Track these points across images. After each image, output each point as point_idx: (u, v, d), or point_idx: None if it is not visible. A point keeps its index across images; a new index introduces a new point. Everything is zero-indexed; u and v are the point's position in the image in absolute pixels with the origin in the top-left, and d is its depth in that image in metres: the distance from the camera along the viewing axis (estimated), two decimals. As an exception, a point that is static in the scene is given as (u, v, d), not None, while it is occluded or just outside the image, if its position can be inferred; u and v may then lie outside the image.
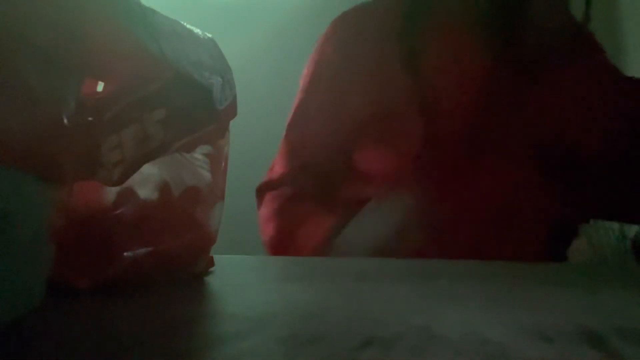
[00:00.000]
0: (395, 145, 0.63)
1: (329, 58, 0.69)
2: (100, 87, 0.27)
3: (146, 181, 0.29)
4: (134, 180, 0.26)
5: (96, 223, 0.27)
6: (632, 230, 1.21)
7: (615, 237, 1.22)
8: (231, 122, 0.32)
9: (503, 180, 0.60)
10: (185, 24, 0.28)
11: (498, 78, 0.64)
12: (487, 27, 0.66)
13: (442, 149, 0.62)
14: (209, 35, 0.30)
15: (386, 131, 0.64)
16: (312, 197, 0.66)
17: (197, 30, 0.29)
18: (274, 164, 0.72)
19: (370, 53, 0.67)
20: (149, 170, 0.28)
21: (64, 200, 0.23)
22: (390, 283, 0.31)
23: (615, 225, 1.22)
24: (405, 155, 0.61)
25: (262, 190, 0.71)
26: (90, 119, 0.24)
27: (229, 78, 0.30)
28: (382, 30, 0.68)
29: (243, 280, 0.34)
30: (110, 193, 0.28)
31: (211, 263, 0.34)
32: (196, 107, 0.27)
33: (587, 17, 0.67)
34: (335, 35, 0.70)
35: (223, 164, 0.33)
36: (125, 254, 0.28)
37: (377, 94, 0.65)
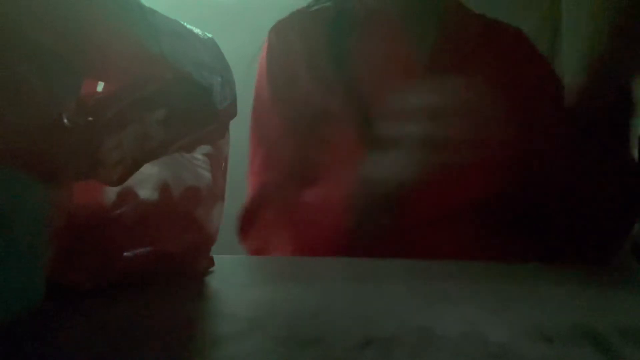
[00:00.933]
0: (339, 150, 0.62)
1: (266, 70, 0.69)
2: (100, 87, 0.27)
3: (146, 181, 0.29)
4: (134, 180, 0.26)
5: (96, 223, 0.27)
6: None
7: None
8: (231, 122, 0.32)
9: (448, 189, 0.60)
10: (185, 24, 0.28)
11: (432, 73, 0.64)
12: (414, 22, 0.67)
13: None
14: (209, 35, 0.30)
15: (328, 136, 0.63)
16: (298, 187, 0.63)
17: (197, 30, 0.29)
18: (250, 187, 0.69)
19: (303, 61, 0.67)
20: (149, 170, 0.28)
21: (64, 200, 0.23)
22: (390, 283, 0.31)
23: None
24: (349, 159, 0.59)
25: (252, 213, 0.67)
26: (90, 119, 0.24)
27: (229, 78, 0.30)
28: (312, 37, 0.68)
29: (243, 280, 0.34)
30: (110, 193, 0.28)
31: (211, 263, 0.34)
32: (196, 107, 0.27)
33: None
34: (271, 44, 0.70)
35: (223, 164, 0.33)
36: (125, 254, 0.28)
37: (313, 101, 0.65)
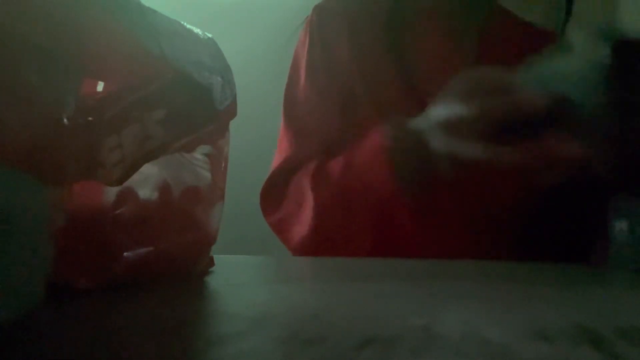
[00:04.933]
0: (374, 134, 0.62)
1: (308, 51, 0.69)
2: (100, 87, 0.27)
3: (146, 181, 0.29)
4: (134, 180, 0.26)
5: (96, 223, 0.27)
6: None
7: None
8: (231, 122, 0.32)
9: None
10: (185, 24, 0.28)
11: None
12: (459, 23, 0.67)
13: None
14: (209, 35, 0.30)
15: (366, 119, 0.63)
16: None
17: (197, 30, 0.29)
18: (275, 161, 0.69)
19: (357, 40, 0.67)
20: (149, 170, 0.28)
21: (64, 200, 0.23)
22: (390, 283, 0.31)
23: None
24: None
25: (277, 181, 0.65)
26: (90, 119, 0.24)
27: (229, 78, 0.30)
28: (368, 20, 0.68)
29: (243, 280, 0.34)
30: (110, 193, 0.28)
31: (211, 263, 0.34)
32: (196, 107, 0.27)
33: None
34: (318, 21, 0.70)
35: (223, 164, 0.33)
36: (125, 254, 0.28)
37: (365, 82, 0.65)
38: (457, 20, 0.69)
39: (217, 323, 0.22)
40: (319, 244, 0.60)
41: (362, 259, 0.48)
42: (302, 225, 0.60)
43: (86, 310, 0.23)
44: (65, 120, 0.21)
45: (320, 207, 0.59)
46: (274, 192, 0.66)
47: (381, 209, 0.56)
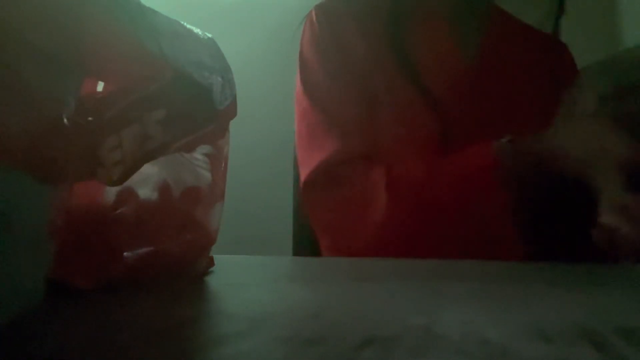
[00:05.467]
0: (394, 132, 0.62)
1: (316, 50, 0.69)
2: (100, 87, 0.27)
3: (146, 181, 0.29)
4: (134, 180, 0.26)
5: (96, 223, 0.27)
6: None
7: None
8: (231, 122, 0.32)
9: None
10: (185, 24, 0.28)
11: (479, 75, 0.65)
12: (461, 24, 0.68)
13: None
14: (209, 35, 0.30)
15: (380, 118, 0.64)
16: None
17: (197, 30, 0.29)
18: (314, 156, 0.65)
19: (368, 38, 0.67)
20: (149, 170, 0.28)
21: (64, 200, 0.23)
22: (390, 283, 0.31)
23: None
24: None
25: (324, 175, 0.63)
26: (90, 119, 0.24)
27: (229, 78, 0.30)
28: (367, 19, 0.69)
29: (243, 280, 0.34)
30: (110, 193, 0.28)
31: (211, 263, 0.34)
32: (196, 107, 0.27)
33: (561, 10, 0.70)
34: (325, 19, 0.70)
35: (223, 164, 0.33)
36: (125, 254, 0.28)
37: (367, 81, 0.65)
38: (458, 21, 0.69)
39: (217, 323, 0.22)
40: (391, 242, 0.59)
41: (362, 259, 0.48)
42: (367, 225, 0.59)
43: (86, 310, 0.23)
44: (65, 120, 0.21)
45: (398, 208, 0.58)
46: (324, 182, 0.63)
47: (484, 227, 0.57)
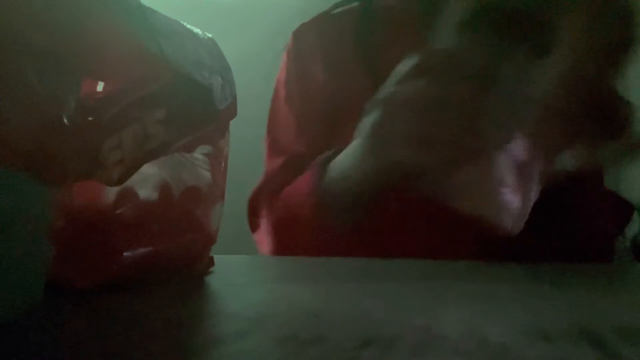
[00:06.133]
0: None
1: (285, 72, 0.70)
2: (100, 87, 0.27)
3: (146, 181, 0.29)
4: (134, 180, 0.26)
5: (96, 223, 0.27)
6: (631, 230, 1.21)
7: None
8: (231, 122, 0.32)
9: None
10: (185, 24, 0.28)
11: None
12: (432, 20, 0.66)
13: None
14: (209, 35, 0.30)
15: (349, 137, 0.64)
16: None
17: (197, 30, 0.29)
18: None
19: (322, 64, 0.68)
20: (149, 170, 0.28)
21: (64, 200, 0.23)
22: (390, 283, 0.31)
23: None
24: None
25: (258, 199, 0.67)
26: (90, 119, 0.24)
27: (229, 78, 0.30)
28: (333, 40, 0.69)
29: (243, 280, 0.34)
30: (110, 193, 0.28)
31: (211, 263, 0.34)
32: (196, 107, 0.27)
33: None
34: (295, 47, 0.71)
35: (223, 164, 0.33)
36: (125, 254, 0.28)
37: (339, 101, 0.65)
38: (431, 16, 0.68)
39: (217, 323, 0.22)
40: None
41: (362, 259, 0.48)
42: (263, 243, 0.63)
43: (86, 310, 0.23)
44: (65, 120, 0.21)
45: (272, 226, 0.60)
46: (252, 211, 0.67)
47: (313, 240, 0.56)
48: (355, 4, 0.71)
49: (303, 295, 0.28)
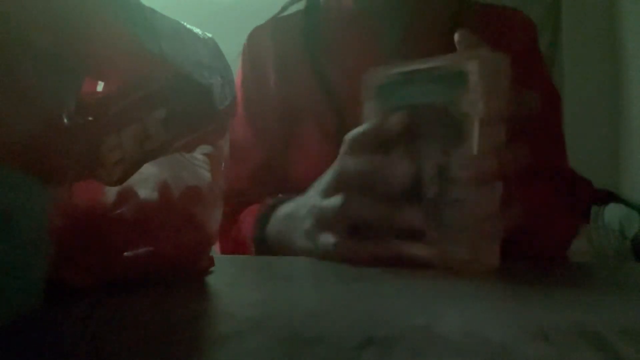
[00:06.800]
0: (316, 148, 0.61)
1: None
2: (100, 87, 0.27)
3: (146, 181, 0.29)
4: (134, 180, 0.26)
5: (96, 223, 0.27)
6: (632, 230, 1.21)
7: (615, 238, 1.22)
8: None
9: None
10: (185, 24, 0.28)
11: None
12: (381, 16, 0.65)
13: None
14: (209, 35, 0.30)
15: (303, 136, 0.63)
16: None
17: (197, 30, 0.29)
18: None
19: (273, 66, 0.67)
20: (149, 170, 0.28)
21: (64, 200, 0.23)
22: (390, 283, 0.31)
23: (616, 225, 1.22)
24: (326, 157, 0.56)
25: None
26: (90, 118, 0.24)
27: (229, 78, 0.30)
28: (283, 42, 0.68)
29: (243, 280, 0.34)
30: (110, 193, 0.28)
31: (211, 263, 0.34)
32: (196, 107, 0.27)
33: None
34: (249, 50, 0.71)
35: (223, 164, 0.33)
36: (125, 254, 0.28)
37: (285, 107, 0.65)
38: (373, 21, 0.66)
39: (217, 323, 0.22)
40: None
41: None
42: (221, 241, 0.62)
43: (86, 310, 0.23)
44: (65, 120, 0.21)
45: (224, 241, 0.60)
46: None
47: None
48: (302, 5, 0.70)
49: (303, 295, 0.28)
